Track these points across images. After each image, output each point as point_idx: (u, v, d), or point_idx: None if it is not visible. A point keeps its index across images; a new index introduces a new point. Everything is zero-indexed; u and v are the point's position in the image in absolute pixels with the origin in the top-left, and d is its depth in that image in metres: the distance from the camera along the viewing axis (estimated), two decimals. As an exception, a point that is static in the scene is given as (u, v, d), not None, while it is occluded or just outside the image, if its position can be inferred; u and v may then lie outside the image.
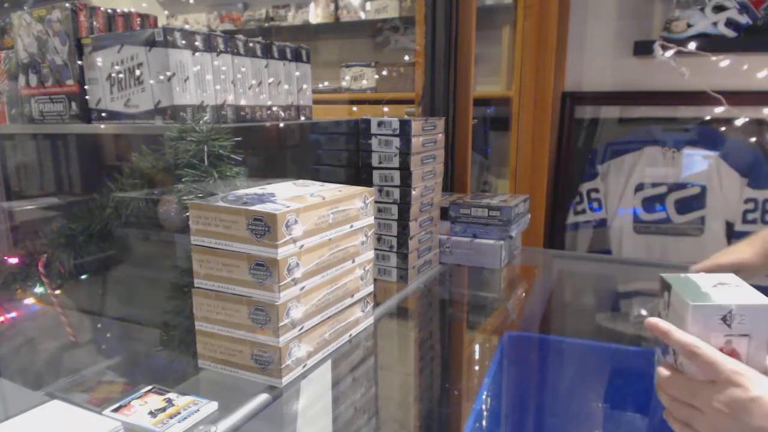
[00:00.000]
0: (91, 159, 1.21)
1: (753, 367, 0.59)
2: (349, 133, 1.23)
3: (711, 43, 1.75)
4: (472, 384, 0.96)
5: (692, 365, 0.61)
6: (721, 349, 0.60)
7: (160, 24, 1.14)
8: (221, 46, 1.00)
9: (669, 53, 1.71)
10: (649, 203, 1.97)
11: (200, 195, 0.79)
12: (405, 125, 1.17)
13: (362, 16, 2.91)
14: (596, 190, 2.03)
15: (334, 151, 1.25)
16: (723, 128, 1.90)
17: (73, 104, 1.03)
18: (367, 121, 1.20)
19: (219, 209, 0.73)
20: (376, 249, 1.23)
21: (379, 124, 1.19)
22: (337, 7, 2.98)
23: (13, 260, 1.03)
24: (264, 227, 0.71)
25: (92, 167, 1.20)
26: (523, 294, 1.38)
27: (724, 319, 0.61)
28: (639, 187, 1.98)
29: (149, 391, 0.75)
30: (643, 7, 1.96)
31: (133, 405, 0.71)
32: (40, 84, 1.07)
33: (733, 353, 0.61)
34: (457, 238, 1.36)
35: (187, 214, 0.76)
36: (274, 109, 1.15)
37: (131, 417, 0.69)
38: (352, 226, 0.87)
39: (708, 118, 1.91)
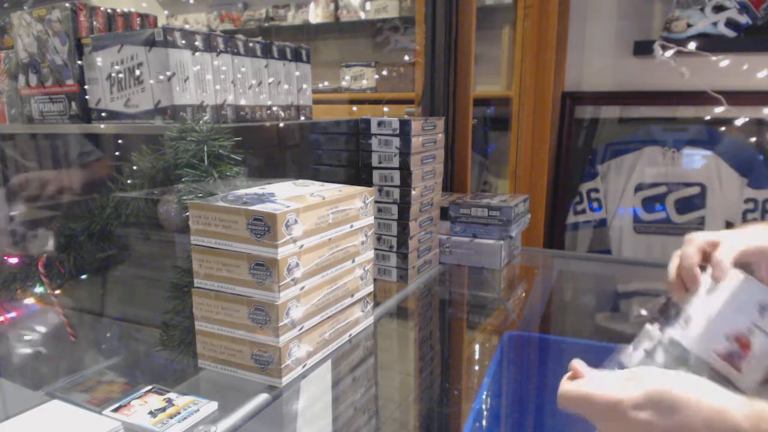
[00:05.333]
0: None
1: (750, 375, 0.56)
2: (349, 133, 1.23)
3: (711, 43, 1.75)
4: (472, 384, 0.96)
5: None
6: (737, 337, 0.57)
7: (160, 24, 1.14)
8: (221, 46, 1.00)
9: (669, 53, 1.71)
10: (649, 203, 1.97)
11: (200, 195, 0.79)
12: (405, 125, 1.17)
13: (362, 16, 2.91)
14: (596, 190, 2.03)
15: (334, 151, 1.25)
16: (723, 128, 1.90)
17: (73, 104, 1.03)
18: (367, 121, 1.20)
19: (219, 209, 0.73)
20: (376, 249, 1.23)
21: (379, 124, 1.19)
22: (337, 7, 2.98)
23: (13, 260, 1.03)
24: (264, 227, 0.71)
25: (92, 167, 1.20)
26: (523, 294, 1.38)
27: (763, 307, 0.57)
28: (639, 187, 1.97)
29: (149, 391, 0.75)
30: (643, 7, 1.96)
31: (133, 405, 0.71)
32: (40, 84, 1.07)
33: (743, 343, 0.57)
34: (457, 238, 1.36)
35: (187, 214, 0.76)
36: (274, 109, 1.15)
37: (131, 417, 0.69)
38: (352, 226, 0.87)
39: (708, 118, 1.91)
